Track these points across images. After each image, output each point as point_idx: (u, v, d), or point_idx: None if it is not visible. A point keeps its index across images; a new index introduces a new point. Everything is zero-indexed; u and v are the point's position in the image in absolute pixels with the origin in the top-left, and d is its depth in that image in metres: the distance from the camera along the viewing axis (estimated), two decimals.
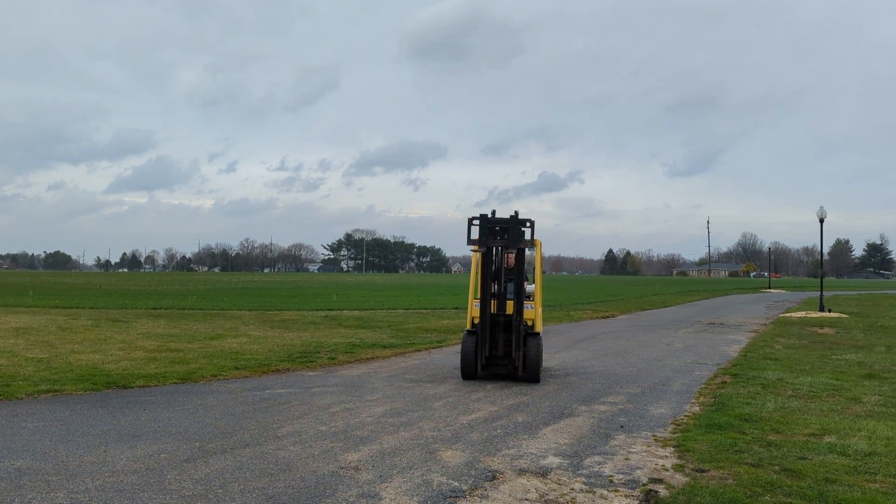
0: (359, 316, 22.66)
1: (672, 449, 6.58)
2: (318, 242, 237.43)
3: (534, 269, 11.64)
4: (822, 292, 31.70)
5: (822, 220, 29.39)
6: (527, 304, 10.43)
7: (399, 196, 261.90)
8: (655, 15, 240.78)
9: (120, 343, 13.87)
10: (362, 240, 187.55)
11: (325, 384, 10.00)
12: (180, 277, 79.70)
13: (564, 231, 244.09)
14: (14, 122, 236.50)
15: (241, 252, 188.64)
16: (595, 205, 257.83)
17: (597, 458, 6.25)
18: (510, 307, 10.25)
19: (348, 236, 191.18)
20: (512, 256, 10.90)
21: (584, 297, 38.56)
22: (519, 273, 10.49)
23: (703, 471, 5.82)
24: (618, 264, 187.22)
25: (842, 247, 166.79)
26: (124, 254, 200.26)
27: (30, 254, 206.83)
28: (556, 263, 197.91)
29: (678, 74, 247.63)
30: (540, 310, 10.87)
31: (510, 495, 5.23)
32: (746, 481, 5.50)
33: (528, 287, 11.00)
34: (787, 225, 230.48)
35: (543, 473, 5.77)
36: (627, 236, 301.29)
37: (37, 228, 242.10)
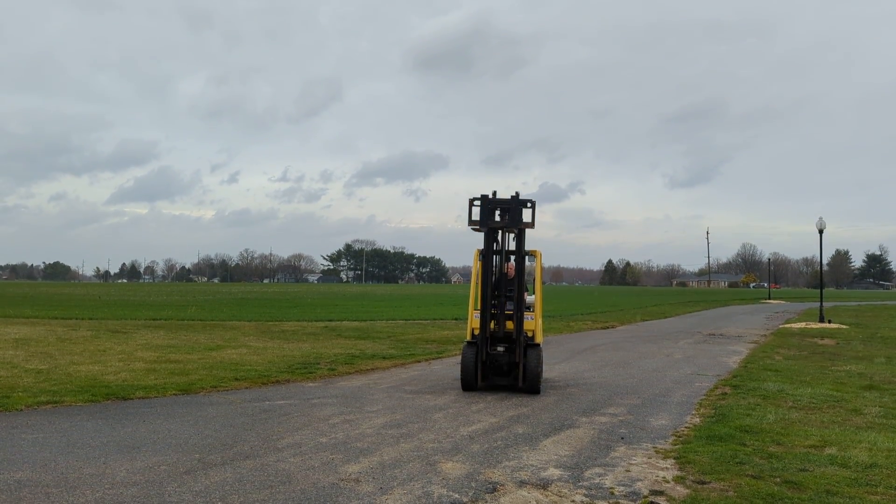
0: (358, 327, 22.64)
1: (673, 461, 6.57)
2: (318, 253, 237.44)
3: (534, 279, 11.65)
4: (821, 303, 31.70)
5: (821, 231, 29.43)
6: (527, 314, 10.44)
7: (400, 207, 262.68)
8: (657, 27, 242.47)
9: (119, 354, 13.85)
10: (362, 250, 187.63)
11: (324, 395, 9.99)
12: (179, 288, 79.63)
13: (564, 241, 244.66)
14: (18, 133, 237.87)
15: (240, 263, 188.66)
16: (595, 215, 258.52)
17: (597, 470, 6.23)
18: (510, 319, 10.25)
19: (348, 247, 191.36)
20: (512, 267, 10.91)
21: (583, 308, 38.55)
22: (519, 283, 10.51)
23: (704, 483, 5.81)
24: (617, 275, 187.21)
25: (841, 257, 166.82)
26: (123, 264, 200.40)
27: (29, 264, 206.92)
28: (556, 274, 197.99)
29: (679, 86, 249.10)
30: (540, 321, 10.87)
31: None
32: (748, 493, 5.49)
33: (529, 298, 11.00)
34: (787, 235, 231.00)
35: (544, 485, 5.76)
36: (627, 247, 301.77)
37: (37, 239, 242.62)
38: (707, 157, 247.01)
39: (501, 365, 10.38)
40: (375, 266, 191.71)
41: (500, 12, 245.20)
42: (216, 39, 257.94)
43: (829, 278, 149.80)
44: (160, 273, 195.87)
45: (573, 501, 5.39)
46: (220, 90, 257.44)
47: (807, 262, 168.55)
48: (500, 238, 10.62)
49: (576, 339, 20.47)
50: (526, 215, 10.38)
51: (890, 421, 8.45)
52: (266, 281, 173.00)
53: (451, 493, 5.50)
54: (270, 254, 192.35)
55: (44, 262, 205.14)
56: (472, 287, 10.90)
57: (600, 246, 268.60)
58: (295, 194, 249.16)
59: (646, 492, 5.61)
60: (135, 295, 52.24)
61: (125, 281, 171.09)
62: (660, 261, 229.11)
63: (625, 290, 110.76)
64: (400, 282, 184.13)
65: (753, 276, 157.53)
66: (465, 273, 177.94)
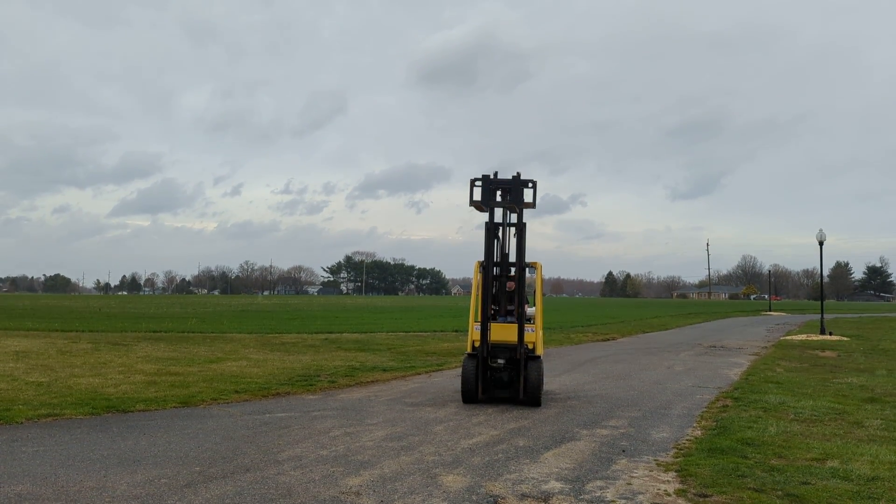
0: (358, 339, 22.61)
1: (674, 474, 6.55)
2: (319, 265, 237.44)
3: (534, 291, 11.65)
4: (822, 315, 31.66)
5: (821, 243, 29.45)
6: (527, 327, 10.43)
7: (401, 218, 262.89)
8: (660, 41, 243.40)
9: (119, 367, 13.84)
10: (362, 262, 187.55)
11: (325, 408, 9.97)
12: (180, 300, 79.54)
13: (565, 253, 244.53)
14: (23, 146, 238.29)
15: (240, 274, 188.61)
16: (596, 227, 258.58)
17: (599, 483, 6.22)
18: (511, 331, 10.25)
19: (348, 258, 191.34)
20: (512, 281, 10.92)
21: (584, 320, 38.50)
22: (520, 296, 10.51)
23: (705, 496, 5.80)
24: (618, 286, 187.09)
25: (842, 269, 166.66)
26: (124, 276, 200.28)
27: (30, 277, 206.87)
28: (556, 286, 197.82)
29: (681, 99, 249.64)
30: (541, 333, 10.87)
31: None
32: None
33: (529, 310, 11.00)
34: (788, 247, 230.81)
35: (545, 499, 5.75)
36: (628, 258, 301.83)
37: (38, 251, 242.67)
38: (708, 170, 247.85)
39: (502, 377, 10.37)
40: (375, 278, 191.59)
41: (505, 26, 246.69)
42: (220, 53, 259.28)
43: (830, 290, 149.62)
44: (160, 285, 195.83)
45: None
46: (225, 103, 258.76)
47: (807, 273, 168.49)
48: (500, 234, 10.57)
49: (576, 351, 20.44)
50: (527, 196, 10.40)
51: (892, 433, 8.43)
52: (266, 293, 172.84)
53: None
54: (270, 266, 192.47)
55: (44, 275, 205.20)
56: (472, 299, 10.90)
57: (601, 258, 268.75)
58: (297, 206, 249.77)
59: None
60: (135, 307, 52.17)
61: (125, 293, 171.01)
62: (660, 272, 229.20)
63: (625, 301, 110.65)
64: (400, 293, 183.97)
65: (754, 287, 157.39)
66: (466, 285, 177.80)
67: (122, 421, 8.75)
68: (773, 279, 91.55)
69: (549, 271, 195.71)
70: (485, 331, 10.19)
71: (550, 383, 12.76)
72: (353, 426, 8.61)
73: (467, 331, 10.92)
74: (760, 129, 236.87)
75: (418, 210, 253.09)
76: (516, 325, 10.26)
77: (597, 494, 5.88)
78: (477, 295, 10.56)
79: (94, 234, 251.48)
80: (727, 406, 10.49)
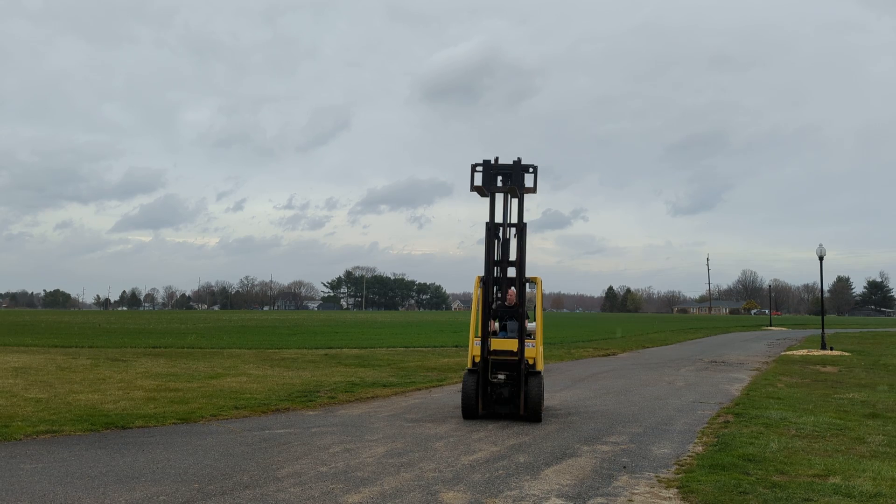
0: (359, 354, 22.56)
1: (676, 490, 6.52)
2: (319, 280, 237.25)
3: (535, 306, 11.65)
4: (823, 330, 31.61)
5: (821, 258, 29.47)
6: (528, 342, 10.42)
7: (403, 233, 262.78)
8: (662, 57, 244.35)
9: (119, 383, 13.80)
10: (362, 277, 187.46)
11: (325, 424, 9.94)
12: (179, 316, 79.43)
13: (566, 268, 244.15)
14: (27, 162, 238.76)
15: (240, 290, 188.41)
16: (597, 242, 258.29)
17: (600, 500, 6.19)
18: (511, 346, 10.23)
19: (348, 273, 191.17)
20: (513, 294, 10.92)
21: (584, 335, 38.42)
22: (521, 295, 10.50)
23: None
24: (618, 301, 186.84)
25: (842, 284, 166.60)
26: (124, 292, 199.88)
27: (29, 292, 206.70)
28: (557, 300, 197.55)
29: (683, 115, 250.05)
30: (541, 348, 10.85)
31: None
32: None
33: (530, 325, 11.00)
34: (788, 262, 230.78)
35: None
36: (629, 273, 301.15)
37: (38, 267, 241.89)
38: (710, 185, 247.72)
39: (502, 393, 10.34)
40: (376, 293, 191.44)
41: (509, 44, 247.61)
42: (223, 70, 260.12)
43: (831, 305, 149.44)
44: (160, 301, 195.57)
45: None
46: (230, 119, 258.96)
47: (808, 288, 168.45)
48: (500, 234, 10.55)
49: (577, 367, 20.39)
50: (528, 181, 10.39)
51: (894, 450, 8.39)
52: (266, 308, 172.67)
53: None
54: (271, 281, 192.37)
55: (44, 290, 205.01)
56: (472, 314, 10.90)
57: (602, 272, 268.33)
58: (299, 221, 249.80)
59: None
60: (135, 323, 52.09)
61: (125, 309, 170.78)
62: (661, 287, 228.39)
63: (626, 316, 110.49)
64: (400, 308, 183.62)
65: (755, 302, 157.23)
66: (466, 300, 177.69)
67: (120, 437, 8.72)
68: (773, 294, 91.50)
69: (550, 286, 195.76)
70: (485, 346, 10.18)
71: (551, 399, 12.72)
72: (352, 442, 8.58)
73: (467, 346, 10.91)
74: (762, 144, 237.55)
75: (420, 225, 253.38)
76: (517, 340, 10.25)
77: None
78: (477, 310, 10.55)
79: (96, 249, 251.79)
80: (728, 422, 10.45)
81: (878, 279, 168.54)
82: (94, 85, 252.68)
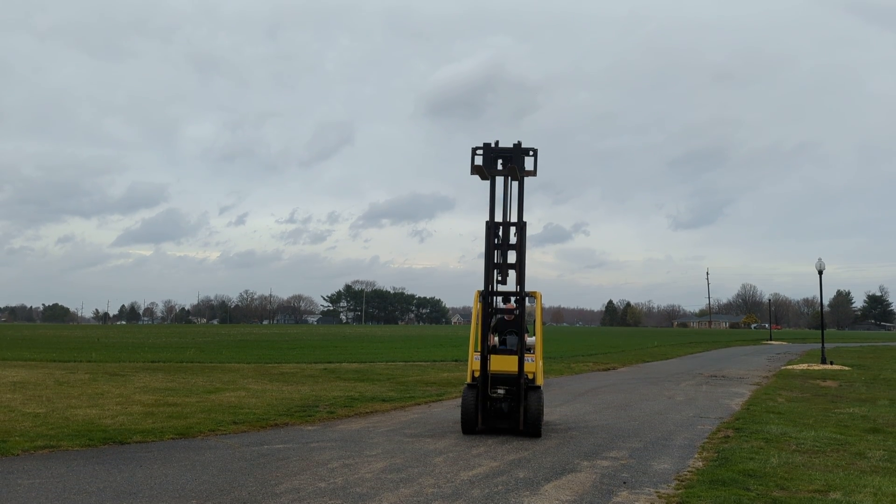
0: (358, 369, 22.51)
1: None
2: (319, 294, 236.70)
3: (534, 320, 11.64)
4: (823, 344, 31.57)
5: (820, 272, 29.49)
6: (527, 356, 10.40)
7: (404, 247, 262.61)
8: (665, 74, 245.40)
9: (117, 397, 13.76)
10: (362, 291, 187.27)
11: (324, 439, 9.90)
12: (178, 330, 79.25)
13: (566, 282, 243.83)
14: (30, 177, 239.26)
15: (240, 304, 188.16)
16: (598, 256, 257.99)
17: None
18: (511, 361, 10.22)
19: (348, 287, 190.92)
20: (513, 307, 10.92)
21: (584, 349, 38.34)
22: (520, 325, 10.50)
23: None
24: (618, 315, 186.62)
25: (842, 298, 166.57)
26: (123, 306, 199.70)
27: (28, 306, 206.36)
28: (557, 315, 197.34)
29: (685, 129, 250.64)
30: (541, 363, 10.84)
31: None
32: None
33: (529, 339, 10.98)
34: (788, 276, 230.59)
35: None
36: (629, 287, 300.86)
37: (38, 281, 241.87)
38: (711, 199, 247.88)
39: (502, 408, 10.31)
40: (375, 307, 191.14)
41: (514, 60, 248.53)
42: (226, 85, 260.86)
43: (831, 319, 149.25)
44: (159, 315, 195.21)
45: None
46: (233, 134, 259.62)
47: (807, 302, 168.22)
48: (500, 233, 10.53)
49: (577, 381, 20.34)
50: (528, 164, 10.38)
51: (894, 465, 8.36)
52: (265, 322, 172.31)
53: None
54: (270, 295, 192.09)
55: (43, 305, 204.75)
56: (472, 328, 10.89)
57: (602, 286, 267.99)
58: (301, 235, 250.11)
59: None
60: (133, 337, 51.97)
61: (124, 323, 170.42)
62: (661, 301, 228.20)
63: (626, 330, 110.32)
64: (400, 323, 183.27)
65: (754, 316, 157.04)
66: (466, 314, 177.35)
67: (118, 453, 8.68)
68: (773, 308, 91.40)
69: (550, 300, 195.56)
70: (484, 361, 10.16)
71: (551, 414, 12.68)
72: (351, 458, 8.55)
73: (467, 360, 10.89)
74: (763, 158, 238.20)
75: (421, 239, 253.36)
76: (516, 355, 10.24)
77: None
78: (477, 324, 10.54)
79: (96, 263, 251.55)
80: (729, 437, 10.42)
81: (878, 293, 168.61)
82: (97, 100, 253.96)
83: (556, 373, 22.57)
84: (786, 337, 77.21)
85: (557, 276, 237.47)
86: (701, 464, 8.46)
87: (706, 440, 10.23)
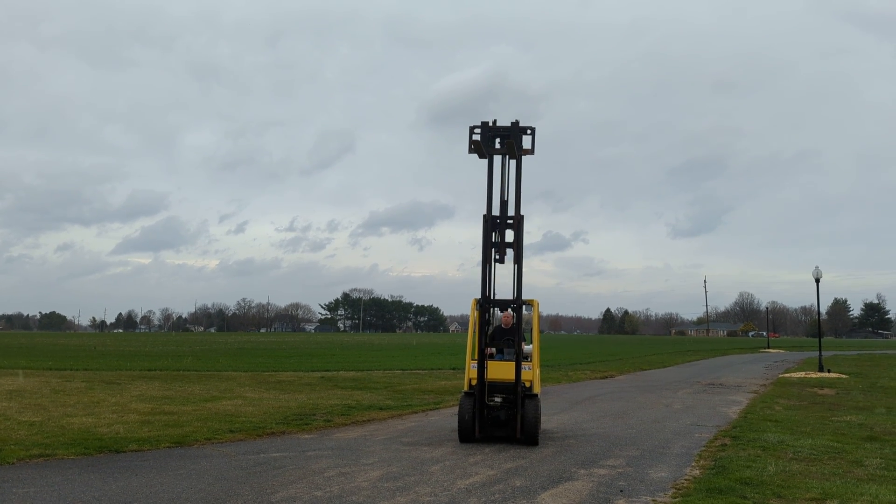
0: (355, 377, 22.46)
1: None
2: (317, 302, 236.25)
3: (531, 328, 11.64)
4: (820, 352, 31.58)
5: (817, 280, 29.54)
6: (525, 365, 10.40)
7: (403, 256, 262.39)
8: (665, 83, 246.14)
9: (113, 406, 13.72)
10: (359, 299, 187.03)
11: (320, 447, 9.88)
12: (176, 338, 79.11)
13: (565, 290, 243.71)
14: (31, 185, 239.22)
15: (237, 312, 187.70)
16: (596, 264, 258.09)
17: None
18: (508, 369, 10.21)
19: (346, 296, 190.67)
20: (510, 316, 10.92)
21: (582, 357, 38.31)
22: (517, 333, 10.49)
23: None
24: (616, 323, 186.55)
25: (840, 306, 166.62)
26: (120, 314, 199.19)
27: (25, 314, 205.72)
28: (555, 323, 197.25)
29: (685, 138, 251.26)
30: (538, 371, 10.83)
31: None
32: None
33: (526, 347, 10.98)
34: (786, 284, 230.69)
35: None
36: (627, 295, 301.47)
37: (36, 289, 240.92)
38: (710, 207, 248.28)
39: (499, 416, 10.29)
40: (373, 315, 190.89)
41: (516, 70, 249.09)
42: (226, 93, 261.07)
43: (828, 327, 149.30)
44: (156, 323, 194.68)
45: None
46: (235, 143, 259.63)
47: (805, 310, 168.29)
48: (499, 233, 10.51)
49: (574, 389, 20.32)
50: (526, 142, 10.39)
51: (891, 473, 8.36)
52: (263, 330, 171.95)
53: None
54: (268, 303, 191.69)
55: (40, 313, 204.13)
56: (469, 336, 10.88)
57: (600, 294, 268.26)
58: (300, 244, 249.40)
59: None
60: (130, 345, 51.84)
61: (121, 331, 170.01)
62: (658, 309, 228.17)
63: (623, 339, 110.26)
64: (397, 331, 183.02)
65: (752, 324, 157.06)
66: (463, 322, 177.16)
67: (114, 461, 8.65)
68: (770, 316, 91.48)
69: (548, 308, 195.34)
70: (482, 369, 10.15)
71: (548, 422, 12.66)
72: (348, 466, 8.53)
73: (464, 368, 10.87)
74: (762, 167, 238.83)
75: (420, 247, 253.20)
76: (513, 363, 10.23)
77: None
78: (474, 332, 10.54)
79: (95, 271, 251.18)
80: (726, 445, 10.41)
81: (876, 301, 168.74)
82: (98, 108, 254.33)
83: (553, 381, 22.54)
84: (783, 345, 77.21)
85: (556, 283, 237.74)
86: (698, 472, 8.45)
87: (703, 448, 10.22)
